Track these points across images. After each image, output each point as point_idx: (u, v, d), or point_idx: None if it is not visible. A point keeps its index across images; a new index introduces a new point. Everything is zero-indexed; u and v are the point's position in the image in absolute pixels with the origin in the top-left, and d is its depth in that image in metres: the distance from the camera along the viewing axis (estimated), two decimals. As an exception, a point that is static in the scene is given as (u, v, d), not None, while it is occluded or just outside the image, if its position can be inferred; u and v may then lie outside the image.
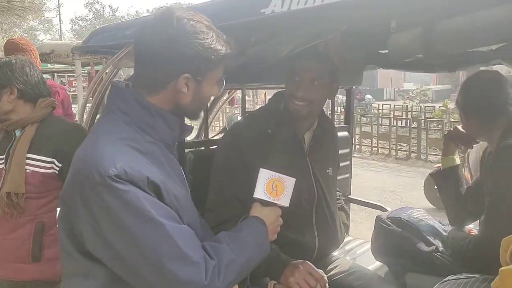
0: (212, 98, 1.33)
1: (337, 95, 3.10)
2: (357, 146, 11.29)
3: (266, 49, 1.36)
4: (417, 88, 22.77)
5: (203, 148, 2.06)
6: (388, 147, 10.66)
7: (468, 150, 6.30)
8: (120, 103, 1.19)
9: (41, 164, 1.87)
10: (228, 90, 3.48)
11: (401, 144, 10.50)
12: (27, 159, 1.85)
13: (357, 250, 2.45)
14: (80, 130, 2.01)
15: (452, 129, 2.01)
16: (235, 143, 1.75)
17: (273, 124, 1.76)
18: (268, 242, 1.32)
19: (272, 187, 1.35)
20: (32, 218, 1.88)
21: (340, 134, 2.61)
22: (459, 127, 1.95)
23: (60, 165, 1.88)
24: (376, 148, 10.93)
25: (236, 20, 1.40)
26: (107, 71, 2.32)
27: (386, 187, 7.53)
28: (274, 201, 1.35)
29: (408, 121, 11.28)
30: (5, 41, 3.48)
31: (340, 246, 2.47)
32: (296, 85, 1.70)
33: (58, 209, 1.17)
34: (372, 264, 2.18)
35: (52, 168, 1.89)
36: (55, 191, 1.89)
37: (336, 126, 2.68)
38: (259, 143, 1.72)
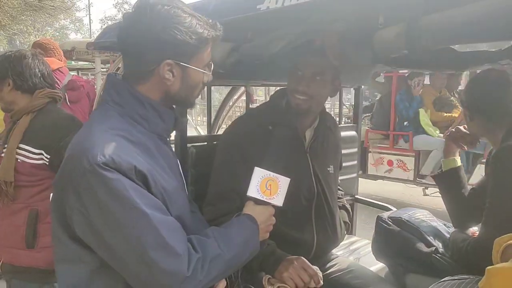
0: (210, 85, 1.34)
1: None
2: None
3: (261, 44, 1.38)
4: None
5: (205, 143, 2.08)
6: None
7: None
8: (113, 94, 1.23)
9: (30, 155, 1.93)
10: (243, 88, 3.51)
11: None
12: (18, 149, 1.92)
13: (361, 250, 2.43)
14: (70, 121, 2.04)
15: (452, 130, 1.97)
16: (236, 138, 1.77)
17: (274, 120, 1.77)
18: (258, 240, 1.32)
19: (266, 186, 1.35)
20: (26, 206, 1.94)
21: (347, 133, 2.61)
22: (461, 127, 1.91)
23: (48, 156, 1.94)
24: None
25: (233, 16, 1.42)
26: (119, 66, 2.38)
27: (407, 190, 7.40)
28: (267, 200, 1.35)
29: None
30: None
31: (344, 246, 2.47)
32: (298, 80, 1.70)
33: (51, 195, 1.20)
34: (376, 265, 2.17)
35: (42, 159, 1.94)
36: (47, 180, 1.95)
37: (343, 125, 2.69)
38: (260, 138, 1.74)
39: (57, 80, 3.29)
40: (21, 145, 1.92)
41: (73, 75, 3.60)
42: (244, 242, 1.27)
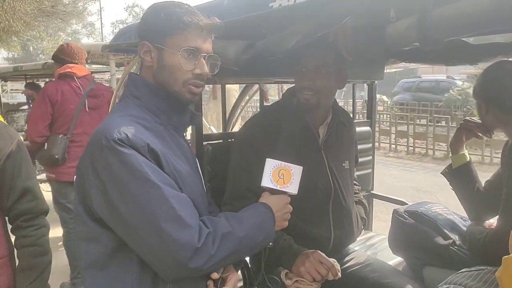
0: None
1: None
2: (393, 146, 11.08)
3: (274, 41, 1.40)
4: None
5: (221, 141, 2.11)
6: (425, 146, 10.41)
7: None
8: (133, 89, 1.34)
9: None
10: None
11: (439, 143, 10.21)
12: None
13: (378, 245, 2.43)
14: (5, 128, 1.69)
15: (463, 121, 1.95)
16: (250, 137, 1.79)
17: (287, 118, 1.78)
18: (273, 227, 1.35)
19: (279, 176, 1.38)
20: None
21: (362, 129, 2.61)
22: (470, 118, 1.90)
23: None
24: (412, 148, 10.70)
25: (246, 15, 1.45)
26: (133, 69, 2.42)
27: (421, 187, 7.36)
28: (281, 189, 1.38)
29: (446, 119, 10.97)
30: (58, 45, 3.70)
31: (361, 241, 2.48)
32: (303, 76, 1.72)
33: (75, 177, 1.27)
34: (393, 259, 2.17)
35: None
36: None
37: (357, 121, 2.69)
38: (273, 137, 1.75)
39: (80, 86, 3.38)
40: None
41: (97, 82, 3.67)
42: (257, 225, 1.30)
